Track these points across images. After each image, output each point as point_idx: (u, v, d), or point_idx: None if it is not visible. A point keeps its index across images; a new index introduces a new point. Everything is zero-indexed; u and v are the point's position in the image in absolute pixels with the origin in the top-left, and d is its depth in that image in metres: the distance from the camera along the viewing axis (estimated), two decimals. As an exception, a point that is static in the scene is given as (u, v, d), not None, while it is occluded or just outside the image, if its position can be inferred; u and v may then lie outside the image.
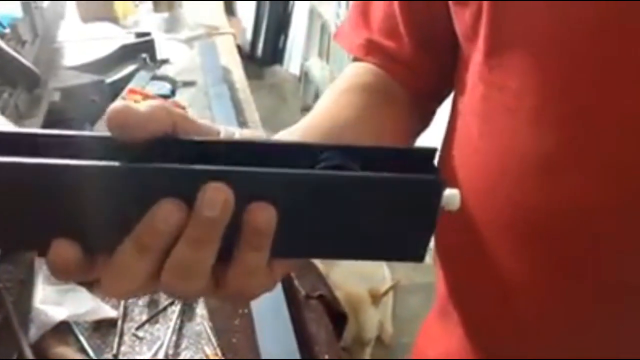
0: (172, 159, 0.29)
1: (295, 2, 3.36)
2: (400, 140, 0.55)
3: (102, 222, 0.29)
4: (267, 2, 3.42)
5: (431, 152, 0.32)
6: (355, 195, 0.31)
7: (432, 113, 0.62)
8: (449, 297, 0.59)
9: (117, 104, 0.28)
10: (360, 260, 0.34)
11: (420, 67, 0.57)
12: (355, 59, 0.60)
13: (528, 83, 0.44)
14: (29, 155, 0.27)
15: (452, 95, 0.57)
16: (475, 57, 0.48)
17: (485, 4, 0.44)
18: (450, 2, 0.49)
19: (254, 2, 3.45)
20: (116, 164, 0.28)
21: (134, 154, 0.29)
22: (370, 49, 0.58)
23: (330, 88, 0.57)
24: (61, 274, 0.30)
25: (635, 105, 0.39)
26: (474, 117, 0.50)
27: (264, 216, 0.30)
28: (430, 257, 0.62)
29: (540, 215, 0.45)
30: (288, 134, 0.46)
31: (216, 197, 0.29)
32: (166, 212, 0.29)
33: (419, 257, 0.34)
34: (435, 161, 0.32)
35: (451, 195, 0.31)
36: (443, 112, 0.61)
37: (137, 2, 1.84)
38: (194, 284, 0.31)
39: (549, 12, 0.42)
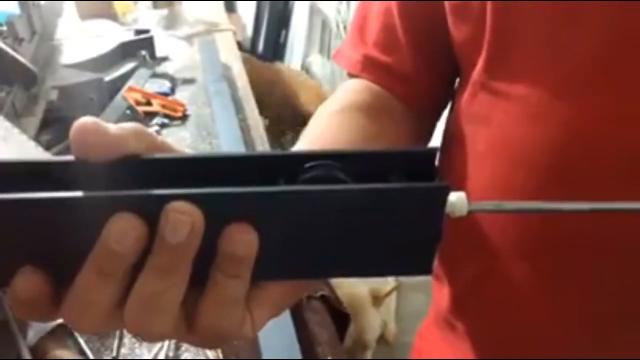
0: (142, 180, 0.26)
1: (296, -2, 3.35)
2: None
3: (65, 255, 0.26)
4: (268, -2, 3.41)
5: (431, 152, 0.29)
6: (345, 210, 0.27)
7: (432, 127, 0.60)
8: (452, 310, 0.57)
9: (84, 122, 0.25)
10: (360, 277, 0.31)
11: (419, 79, 0.55)
12: (351, 75, 0.58)
13: (534, 89, 0.43)
14: None
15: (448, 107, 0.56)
16: (477, 66, 0.47)
17: (489, 12, 0.44)
18: (449, 14, 0.48)
19: (254, -1, 3.44)
20: (74, 194, 0.25)
21: (98, 175, 0.26)
22: (366, 65, 0.56)
23: (324, 107, 0.54)
24: (24, 306, 0.27)
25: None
26: (479, 126, 0.49)
27: (243, 241, 0.27)
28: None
29: (550, 224, 0.44)
30: None
31: (181, 221, 0.25)
32: (119, 231, 0.25)
33: (425, 271, 0.30)
34: (436, 162, 0.29)
35: (457, 200, 0.28)
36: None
37: (136, -2, 1.83)
38: (162, 320, 0.28)
39: (552, 19, 0.41)
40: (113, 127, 0.26)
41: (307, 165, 0.28)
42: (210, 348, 0.76)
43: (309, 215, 0.27)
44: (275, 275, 0.30)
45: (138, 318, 0.27)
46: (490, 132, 0.47)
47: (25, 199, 0.25)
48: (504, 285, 0.50)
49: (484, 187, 0.48)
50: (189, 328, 0.29)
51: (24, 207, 0.25)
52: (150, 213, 0.25)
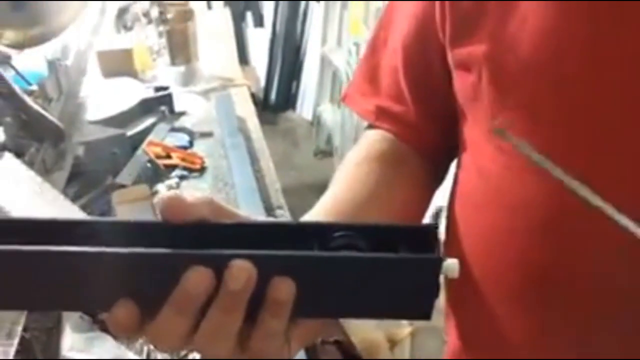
0: (208, 240, 0.36)
1: (307, 50, 3.45)
2: (411, 208, 0.60)
3: (151, 293, 0.35)
4: (280, 50, 3.51)
5: (432, 228, 0.38)
6: (364, 271, 0.37)
7: (445, 171, 0.64)
8: (462, 350, 0.60)
9: (169, 195, 0.36)
10: (372, 319, 0.41)
11: (426, 130, 0.60)
12: (369, 126, 0.64)
13: (535, 143, 0.45)
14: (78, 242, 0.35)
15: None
16: (480, 119, 0.51)
17: (484, 70, 0.48)
18: (452, 67, 0.53)
19: (267, 50, 3.54)
20: (160, 251, 0.35)
21: (177, 234, 0.35)
22: (380, 115, 0.62)
23: (349, 158, 0.62)
24: (119, 328, 0.36)
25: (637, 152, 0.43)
26: (482, 178, 0.52)
27: (284, 290, 0.35)
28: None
29: (549, 272, 0.47)
30: (315, 215, 0.52)
31: (240, 274, 0.34)
32: (195, 280, 0.34)
33: (426, 317, 0.39)
34: (437, 236, 0.38)
35: (451, 264, 0.37)
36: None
37: (155, 55, 1.91)
38: (223, 345, 0.37)
39: (545, 72, 0.45)
40: (190, 197, 0.36)
41: (336, 234, 0.37)
42: None
43: (335, 273, 0.37)
44: (307, 314, 0.39)
45: (206, 343, 0.37)
46: (493, 184, 0.51)
47: (132, 254, 0.35)
48: (509, 328, 0.52)
49: (485, 235, 0.52)
50: (242, 351, 0.38)
51: (129, 259, 0.35)
52: (217, 267, 0.35)
